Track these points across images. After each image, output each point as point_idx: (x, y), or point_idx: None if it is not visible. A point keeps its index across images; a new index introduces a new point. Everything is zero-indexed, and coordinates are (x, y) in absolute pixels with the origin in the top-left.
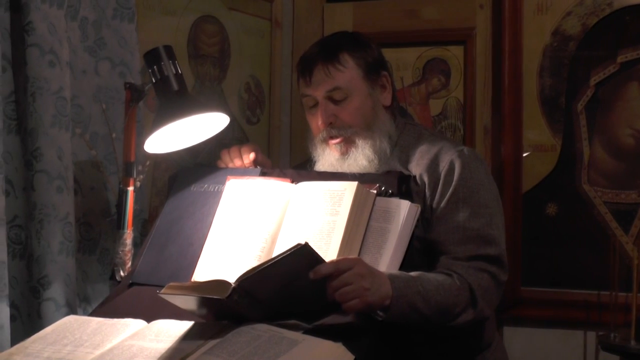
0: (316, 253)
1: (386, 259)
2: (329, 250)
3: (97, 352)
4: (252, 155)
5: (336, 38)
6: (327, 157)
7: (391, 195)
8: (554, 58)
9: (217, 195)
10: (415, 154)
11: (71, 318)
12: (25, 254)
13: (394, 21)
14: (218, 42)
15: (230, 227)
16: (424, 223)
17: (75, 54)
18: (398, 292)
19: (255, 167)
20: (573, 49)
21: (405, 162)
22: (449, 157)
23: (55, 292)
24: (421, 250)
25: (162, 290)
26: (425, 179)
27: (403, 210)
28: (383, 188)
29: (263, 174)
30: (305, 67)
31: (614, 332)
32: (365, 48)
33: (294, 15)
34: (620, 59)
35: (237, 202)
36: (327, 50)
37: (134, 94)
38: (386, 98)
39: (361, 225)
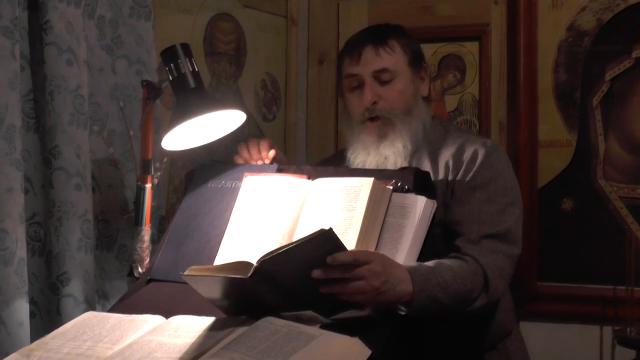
0: (339, 240)
1: (402, 255)
2: (345, 245)
3: (117, 348)
4: (271, 153)
5: (383, 26)
6: (363, 140)
7: (407, 191)
8: (569, 53)
9: (234, 191)
10: (442, 145)
11: (90, 314)
12: (45, 251)
13: (409, 18)
14: (234, 39)
15: (247, 223)
16: (444, 208)
17: (93, 53)
18: (419, 286)
19: (272, 163)
20: (588, 44)
21: (432, 152)
22: (473, 147)
23: (74, 288)
24: (441, 234)
25: (185, 272)
26: (450, 165)
27: (419, 206)
28: (399, 184)
29: (280, 170)
30: (354, 47)
31: (630, 327)
32: (410, 38)
33: (309, 12)
34: (635, 53)
35: (254, 199)
36: (377, 34)
37: (151, 91)
38: (424, 89)
39: (377, 221)
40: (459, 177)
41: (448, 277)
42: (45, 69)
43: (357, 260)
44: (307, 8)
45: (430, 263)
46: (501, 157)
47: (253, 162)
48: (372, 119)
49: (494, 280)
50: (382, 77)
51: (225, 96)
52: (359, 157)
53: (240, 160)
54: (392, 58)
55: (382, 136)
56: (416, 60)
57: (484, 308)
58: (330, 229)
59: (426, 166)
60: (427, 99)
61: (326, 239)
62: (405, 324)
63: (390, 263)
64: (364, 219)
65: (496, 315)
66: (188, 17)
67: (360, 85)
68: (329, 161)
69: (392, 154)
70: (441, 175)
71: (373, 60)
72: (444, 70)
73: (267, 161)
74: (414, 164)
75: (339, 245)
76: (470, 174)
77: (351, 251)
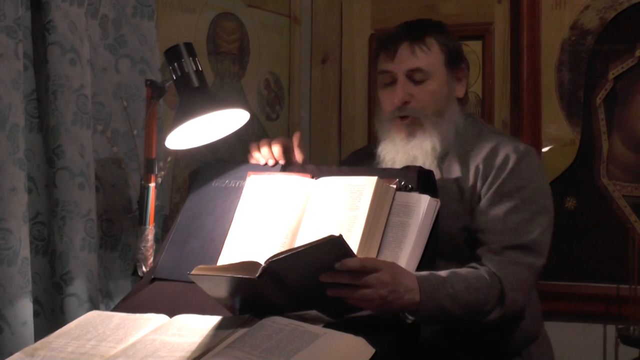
0: (348, 246)
1: (406, 253)
2: (349, 245)
3: (120, 347)
4: (297, 138)
5: (423, 22)
6: (394, 136)
7: (411, 190)
8: (572, 52)
9: (238, 190)
10: (474, 148)
11: (94, 313)
12: (48, 251)
13: (413, 17)
14: (237, 39)
15: (251, 223)
16: (470, 214)
17: (96, 52)
18: (427, 295)
19: (289, 160)
20: (591, 43)
21: (463, 154)
22: (505, 152)
23: (78, 288)
24: (466, 240)
25: (192, 271)
26: (480, 169)
27: (423, 204)
28: (403, 183)
29: (283, 169)
30: (390, 43)
31: (634, 326)
32: (449, 36)
33: (312, 11)
34: (639, 52)
35: (257, 198)
36: (415, 31)
37: (155, 91)
38: (460, 90)
39: (381, 220)
40: (487, 183)
41: (460, 288)
42: (48, 69)
43: (365, 267)
44: (311, 7)
45: (443, 273)
46: (533, 162)
47: (262, 162)
48: (402, 117)
49: (511, 293)
50: (415, 77)
51: (228, 95)
52: (388, 154)
53: (252, 161)
54: (427, 57)
55: (410, 134)
56: (454, 60)
57: (499, 320)
58: (340, 236)
59: (456, 170)
60: (462, 100)
61: (335, 245)
62: (409, 325)
63: (399, 272)
64: (367, 218)
65: (521, 322)
66: (191, 17)
67: (394, 82)
68: (359, 154)
69: (421, 154)
70: (471, 180)
71: (408, 58)
72: None
73: (281, 162)
74: (444, 168)
75: (347, 252)
76: (499, 181)
77: (360, 258)
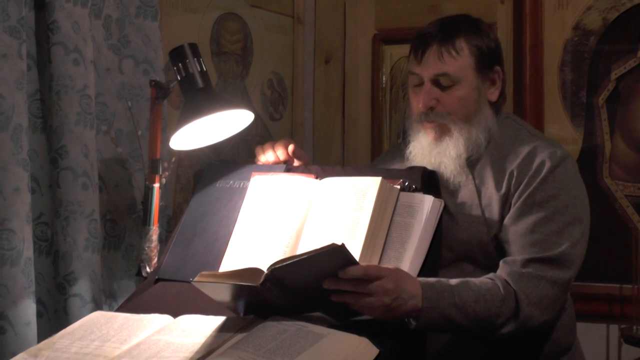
0: (351, 256)
1: (410, 254)
2: (353, 245)
3: (124, 347)
4: (290, 148)
5: (457, 20)
6: (421, 139)
7: (415, 190)
8: (574, 52)
9: (242, 191)
10: (510, 151)
11: (98, 314)
12: (52, 251)
13: (416, 17)
14: (240, 39)
15: (255, 223)
16: (500, 221)
17: (99, 52)
18: (430, 303)
19: (292, 160)
20: (594, 44)
21: (498, 159)
22: (540, 158)
23: (81, 288)
24: (496, 249)
25: (195, 278)
26: (515, 174)
27: (427, 205)
28: (407, 183)
29: (287, 169)
30: (420, 44)
31: (637, 325)
32: (484, 37)
33: (315, 11)
34: None
35: (262, 198)
36: (445, 32)
37: (159, 91)
38: (493, 94)
39: (385, 220)
40: (519, 190)
41: (468, 298)
42: (52, 69)
43: (368, 275)
44: (314, 7)
45: (453, 281)
46: (568, 170)
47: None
48: (428, 122)
49: (527, 308)
50: (442, 82)
51: (232, 96)
52: (417, 157)
53: (257, 162)
54: (455, 62)
55: (437, 138)
56: (486, 63)
57: (513, 334)
58: (342, 245)
59: (489, 176)
60: (497, 104)
61: (337, 254)
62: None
63: (403, 278)
64: (371, 219)
65: (553, 333)
66: (195, 17)
67: (421, 84)
68: (391, 153)
69: (447, 160)
70: (504, 187)
71: (435, 63)
72: None
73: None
74: (476, 173)
75: (350, 260)
76: (530, 189)
77: (362, 266)
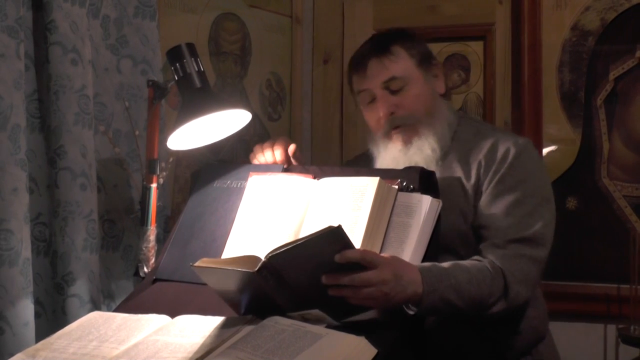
0: (347, 237)
1: (408, 254)
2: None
3: (122, 348)
4: (291, 147)
5: (385, 34)
6: (390, 151)
7: (413, 190)
8: (573, 53)
9: (240, 191)
10: (474, 146)
11: (96, 314)
12: (50, 251)
13: (414, 17)
14: (239, 39)
15: (253, 223)
16: (474, 210)
17: (97, 52)
18: (430, 287)
19: (290, 161)
20: (592, 44)
21: (464, 154)
22: (505, 147)
23: (80, 288)
24: (475, 237)
25: (196, 264)
26: (482, 164)
27: (424, 205)
28: (405, 183)
29: (285, 169)
30: (359, 62)
31: (634, 325)
32: (415, 42)
33: (314, 11)
34: (639, 53)
35: (259, 198)
36: (379, 45)
37: (157, 91)
38: (440, 86)
39: (383, 220)
40: (489, 177)
41: (462, 279)
42: (50, 69)
43: (365, 259)
44: (312, 8)
45: (446, 264)
46: (532, 155)
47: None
48: (394, 128)
49: (514, 285)
50: (392, 87)
51: (230, 96)
52: (389, 166)
53: (255, 162)
54: (398, 65)
55: (407, 142)
56: (425, 60)
57: (503, 313)
58: (339, 226)
59: (457, 170)
60: (445, 96)
61: (335, 236)
62: (412, 324)
63: (400, 266)
64: (369, 219)
65: (532, 321)
66: (193, 17)
67: (374, 100)
68: (359, 160)
69: (422, 159)
70: (473, 177)
71: (379, 71)
72: (448, 70)
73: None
74: (445, 168)
75: (347, 243)
76: (499, 175)
77: (359, 250)
